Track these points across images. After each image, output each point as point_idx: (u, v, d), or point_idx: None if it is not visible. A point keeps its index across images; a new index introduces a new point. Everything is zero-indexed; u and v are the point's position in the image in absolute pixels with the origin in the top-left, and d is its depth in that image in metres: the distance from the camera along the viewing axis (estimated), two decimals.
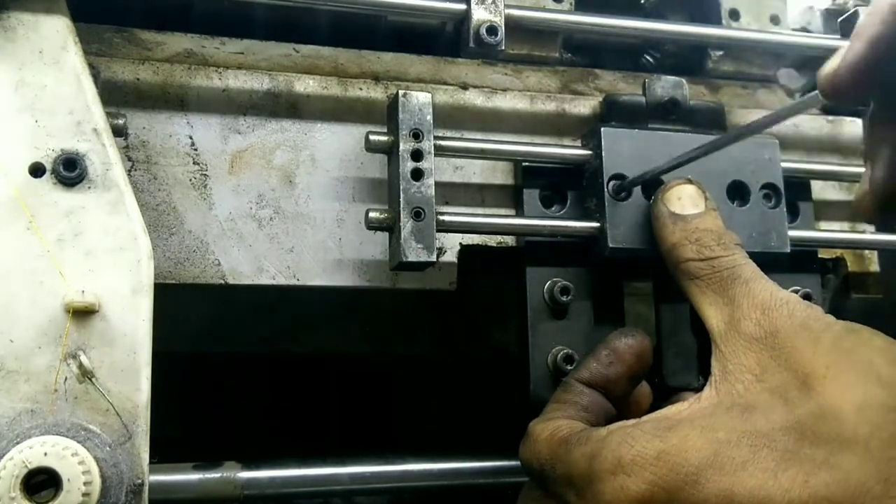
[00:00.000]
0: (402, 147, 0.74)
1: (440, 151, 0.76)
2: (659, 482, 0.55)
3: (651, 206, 0.75)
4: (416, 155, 0.74)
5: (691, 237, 0.69)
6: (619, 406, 0.70)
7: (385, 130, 0.77)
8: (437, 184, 0.74)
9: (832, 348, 0.57)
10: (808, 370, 0.56)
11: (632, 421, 0.61)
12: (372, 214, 0.74)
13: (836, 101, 0.63)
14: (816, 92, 0.63)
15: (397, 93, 0.75)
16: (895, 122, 0.66)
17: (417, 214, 0.73)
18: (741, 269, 0.66)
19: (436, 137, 0.75)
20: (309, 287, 0.77)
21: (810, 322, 0.59)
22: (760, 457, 0.54)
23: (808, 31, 1.04)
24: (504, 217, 0.81)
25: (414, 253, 0.72)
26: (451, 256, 0.80)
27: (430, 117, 0.75)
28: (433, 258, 0.73)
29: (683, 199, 0.72)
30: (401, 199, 0.73)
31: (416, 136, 0.74)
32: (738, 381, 0.59)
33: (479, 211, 0.82)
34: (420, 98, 0.75)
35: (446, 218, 0.75)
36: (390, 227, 0.74)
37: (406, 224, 0.72)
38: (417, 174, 0.74)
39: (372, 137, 0.76)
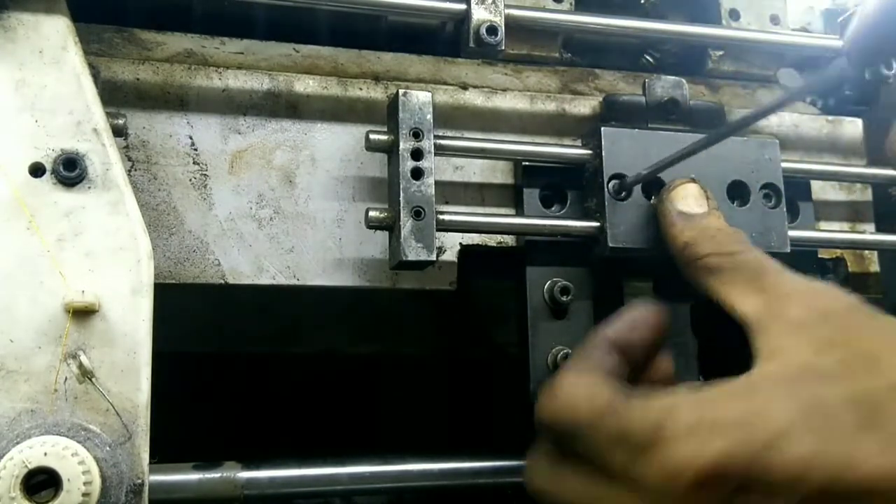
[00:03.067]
0: (402, 146, 0.74)
1: (440, 151, 0.76)
2: (737, 446, 0.54)
3: (657, 206, 0.74)
4: (417, 154, 0.74)
5: (706, 234, 0.69)
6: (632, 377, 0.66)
7: (385, 130, 0.77)
8: (437, 183, 0.74)
9: (890, 328, 0.58)
10: (868, 347, 0.57)
11: (696, 384, 0.60)
12: (372, 213, 0.74)
13: (860, 58, 0.60)
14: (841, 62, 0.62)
15: (397, 92, 0.75)
16: None
17: (417, 214, 0.73)
18: (766, 261, 0.66)
19: (436, 137, 0.75)
20: (309, 287, 0.77)
21: (858, 303, 0.60)
22: (837, 423, 0.53)
23: (808, 31, 1.04)
24: (504, 217, 0.81)
25: (414, 252, 0.72)
26: (451, 256, 0.80)
27: (430, 116, 0.75)
28: (433, 257, 0.73)
29: (689, 199, 0.72)
30: (401, 199, 0.73)
31: (417, 135, 0.74)
32: (797, 354, 0.58)
33: (479, 210, 0.82)
34: (420, 97, 0.75)
35: (446, 217, 0.74)
36: (390, 226, 0.74)
37: (406, 223, 0.72)
38: (417, 173, 0.74)
39: (372, 136, 0.75)
